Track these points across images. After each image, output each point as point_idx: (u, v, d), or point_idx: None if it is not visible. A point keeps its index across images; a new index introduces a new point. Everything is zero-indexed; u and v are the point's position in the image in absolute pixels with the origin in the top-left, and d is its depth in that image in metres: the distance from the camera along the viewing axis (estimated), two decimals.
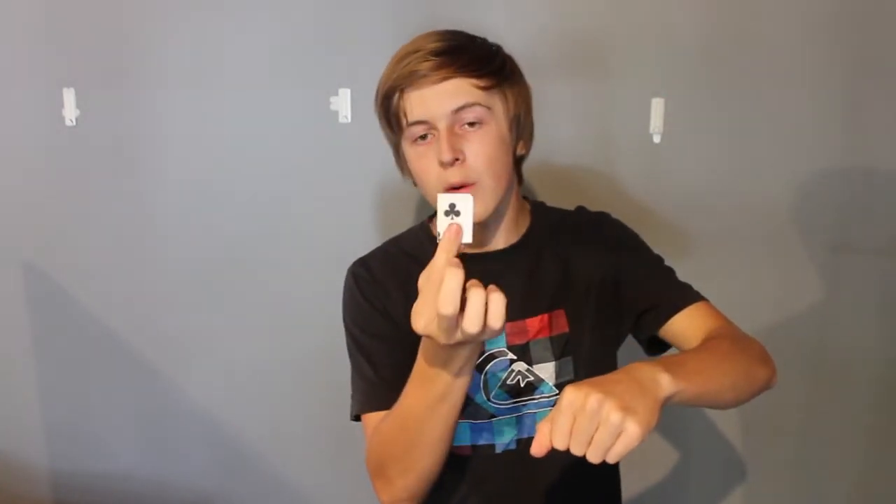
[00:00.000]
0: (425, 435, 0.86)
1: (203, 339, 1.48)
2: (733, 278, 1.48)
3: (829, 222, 1.48)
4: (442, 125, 0.91)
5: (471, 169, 0.92)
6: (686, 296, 1.00)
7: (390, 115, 0.96)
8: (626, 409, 0.66)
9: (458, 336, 0.70)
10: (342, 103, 1.40)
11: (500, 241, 1.04)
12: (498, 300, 0.69)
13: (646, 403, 0.68)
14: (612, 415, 0.65)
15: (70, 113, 1.40)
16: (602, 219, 1.11)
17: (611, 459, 0.67)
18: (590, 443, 0.66)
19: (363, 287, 1.03)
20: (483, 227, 1.00)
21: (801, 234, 1.48)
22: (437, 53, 0.92)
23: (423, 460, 0.89)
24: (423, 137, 0.94)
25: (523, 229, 1.06)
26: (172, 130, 1.42)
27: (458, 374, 0.79)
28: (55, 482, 1.54)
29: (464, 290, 0.68)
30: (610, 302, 1.02)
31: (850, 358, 1.52)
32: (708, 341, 0.92)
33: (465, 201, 0.74)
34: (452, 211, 0.74)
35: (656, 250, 1.11)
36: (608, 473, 1.09)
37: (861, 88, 1.43)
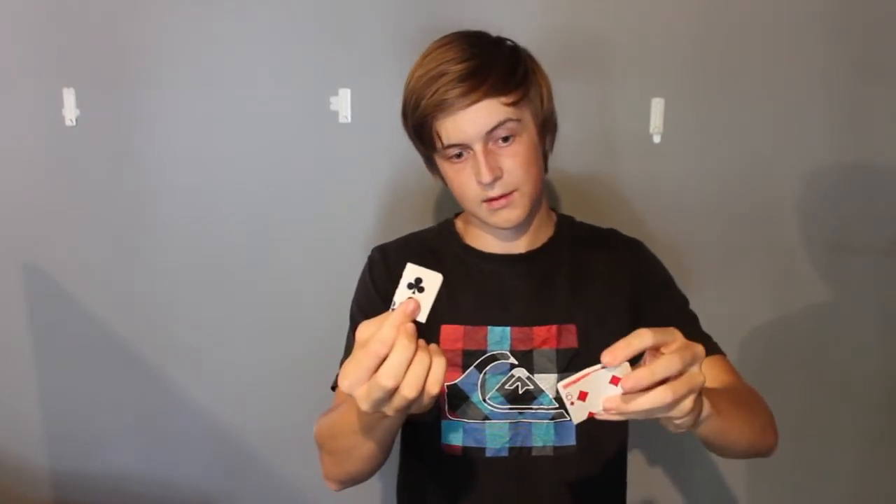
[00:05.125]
0: (352, 451, 0.88)
1: (203, 339, 1.48)
2: (733, 278, 1.48)
3: (829, 222, 1.48)
4: (477, 147, 0.92)
5: (509, 182, 0.94)
6: (705, 346, 1.00)
7: (423, 135, 0.95)
8: (693, 409, 0.69)
9: (386, 409, 0.67)
10: (342, 103, 1.40)
11: (522, 245, 1.05)
12: (439, 364, 0.66)
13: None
14: (687, 403, 0.68)
15: (70, 113, 1.40)
16: (634, 246, 1.10)
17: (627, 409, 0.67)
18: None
19: (374, 270, 1.05)
20: (514, 230, 1.01)
21: (802, 234, 1.48)
22: (464, 78, 0.90)
23: (351, 468, 0.91)
24: (459, 155, 0.95)
25: (545, 238, 1.06)
26: (172, 130, 1.42)
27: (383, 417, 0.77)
28: (55, 482, 1.54)
29: None
30: (626, 331, 1.01)
31: (850, 358, 1.52)
32: (735, 389, 0.94)
33: (433, 280, 0.67)
34: (416, 286, 0.67)
35: (657, 251, 1.11)
36: (614, 495, 1.08)
37: (861, 89, 1.43)
